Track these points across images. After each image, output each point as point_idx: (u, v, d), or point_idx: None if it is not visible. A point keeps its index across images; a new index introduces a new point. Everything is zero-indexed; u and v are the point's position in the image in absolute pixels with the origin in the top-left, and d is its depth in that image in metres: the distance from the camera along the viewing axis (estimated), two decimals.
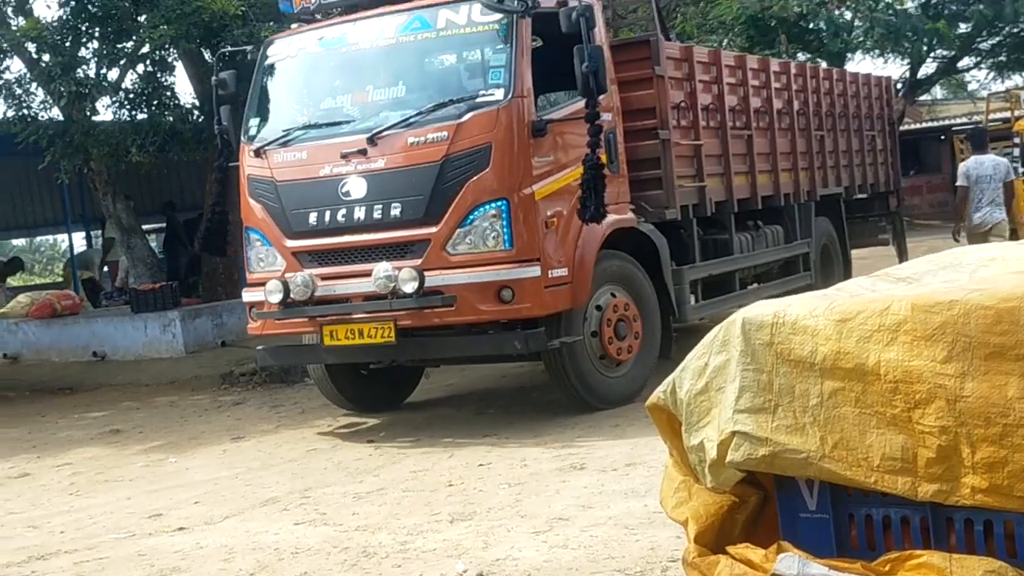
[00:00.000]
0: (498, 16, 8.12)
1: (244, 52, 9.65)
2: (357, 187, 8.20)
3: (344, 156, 8.22)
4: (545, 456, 7.34)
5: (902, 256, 14.40)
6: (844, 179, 13.33)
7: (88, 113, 13.48)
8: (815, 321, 3.36)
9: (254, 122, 9.01)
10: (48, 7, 39.12)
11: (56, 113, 13.81)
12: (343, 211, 8.24)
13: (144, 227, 16.42)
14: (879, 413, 3.27)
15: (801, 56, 23.06)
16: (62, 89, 12.50)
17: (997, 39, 26.36)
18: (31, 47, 12.98)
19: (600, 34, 8.75)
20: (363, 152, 8.16)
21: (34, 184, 21.31)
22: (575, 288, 8.25)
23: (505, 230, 7.92)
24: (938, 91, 37.05)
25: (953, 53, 27.02)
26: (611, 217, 8.56)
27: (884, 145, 14.88)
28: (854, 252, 14.59)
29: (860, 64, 33.20)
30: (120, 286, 17.03)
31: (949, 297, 3.23)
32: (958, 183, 12.09)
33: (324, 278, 8.37)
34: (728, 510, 3.58)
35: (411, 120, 8.13)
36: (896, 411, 3.25)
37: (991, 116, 19.50)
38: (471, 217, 7.94)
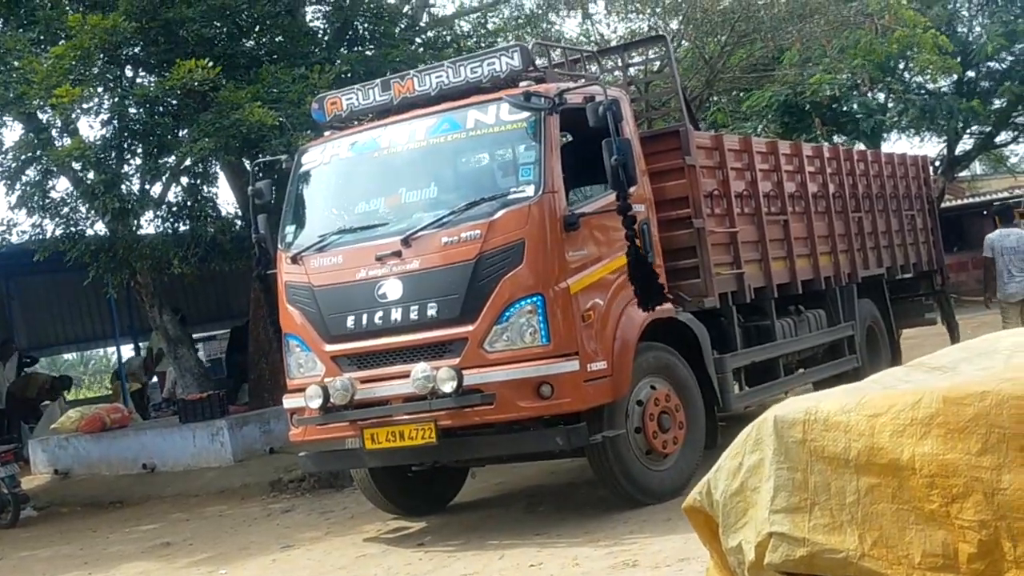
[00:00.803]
0: (526, 114, 8.21)
1: (279, 161, 9.72)
2: (393, 289, 8.23)
3: (379, 259, 8.27)
4: (597, 554, 7.25)
5: (953, 334, 14.19)
6: (886, 260, 13.19)
7: (132, 228, 13.73)
8: (847, 417, 3.35)
9: (290, 229, 9.12)
10: (91, 127, 40.23)
11: (101, 228, 14.07)
12: (380, 313, 8.27)
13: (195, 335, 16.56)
14: (917, 509, 3.24)
15: (837, 139, 23.12)
16: (107, 205, 12.75)
17: None
18: (76, 166, 13.27)
19: (629, 126, 8.84)
20: (398, 254, 8.21)
21: (83, 299, 21.64)
22: (615, 381, 8.17)
23: (542, 325, 7.91)
24: (977, 167, 36.96)
25: (990, 128, 27.00)
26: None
27: (925, 224, 14.76)
28: (904, 332, 14.50)
29: (897, 143, 33.18)
30: (168, 396, 17.18)
31: (981, 388, 3.21)
32: (984, 254, 13.00)
33: (364, 381, 8.34)
34: None
35: (444, 220, 8.19)
36: (934, 506, 3.22)
37: None
38: (507, 314, 7.95)
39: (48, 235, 14.08)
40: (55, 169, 13.52)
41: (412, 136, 8.72)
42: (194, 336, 16.64)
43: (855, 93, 22.07)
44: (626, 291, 8.29)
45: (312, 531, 9.72)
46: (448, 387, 7.89)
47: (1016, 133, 28.24)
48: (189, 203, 14.07)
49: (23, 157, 13.47)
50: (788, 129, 22.17)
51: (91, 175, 13.14)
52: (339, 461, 9.35)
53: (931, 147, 33.27)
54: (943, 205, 27.42)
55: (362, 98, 9.16)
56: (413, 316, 8.17)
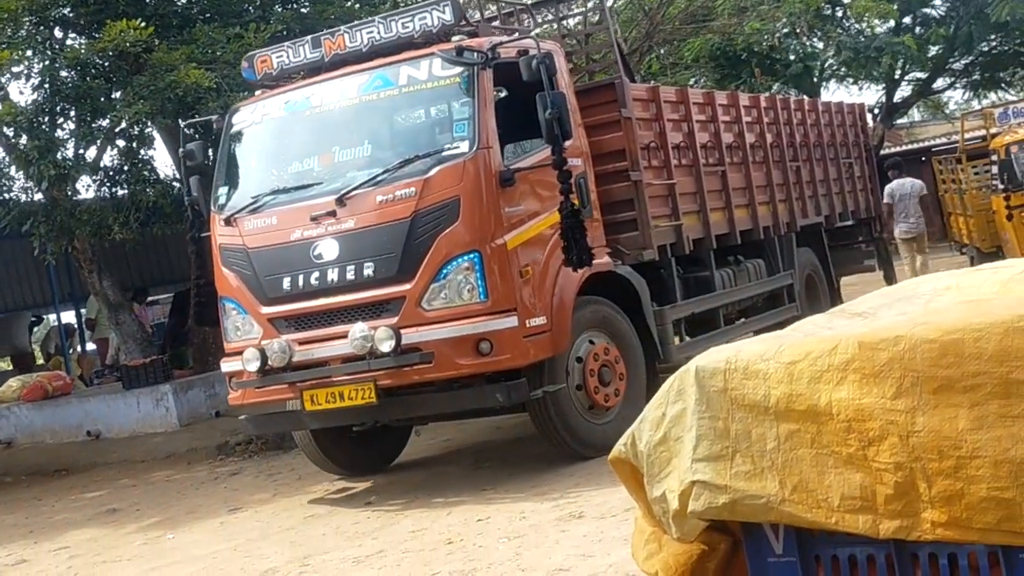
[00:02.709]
0: (459, 69, 8.17)
1: (211, 122, 9.62)
2: (329, 249, 8.21)
3: (314, 219, 8.25)
4: (543, 507, 7.34)
5: (890, 280, 14.40)
6: (824, 208, 13.37)
7: (69, 193, 13.55)
8: (766, 365, 3.40)
9: (223, 191, 9.04)
10: (22, 92, 39.49)
11: (38, 195, 13.88)
12: (316, 274, 8.24)
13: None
14: (835, 453, 3.30)
15: (775, 88, 23.27)
16: (42, 171, 12.57)
17: (969, 59, 26.62)
18: (8, 131, 13.07)
19: (564, 80, 8.83)
20: (332, 213, 8.18)
21: (20, 265, 21.37)
22: (555, 336, 8.22)
23: (479, 282, 7.91)
24: (916, 114, 37.34)
25: (927, 75, 27.27)
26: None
27: (862, 171, 14.95)
28: (845, 280, 14.71)
29: (836, 93, 33.42)
30: (111, 363, 17.05)
31: (894, 333, 3.27)
32: (884, 201, 15.49)
33: (301, 343, 8.35)
34: (698, 559, 3.59)
35: (379, 178, 8.15)
36: (851, 450, 3.28)
37: (967, 135, 19.58)
38: (444, 271, 7.94)
39: None
40: None
41: (344, 94, 8.65)
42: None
43: (793, 41, 22.19)
44: (559, 247, 8.24)
45: (260, 493, 9.74)
46: (386, 347, 7.89)
47: (952, 79, 28.54)
48: (126, 167, 13.89)
49: None
50: (725, 78, 22.28)
51: (24, 140, 12.94)
52: (280, 423, 9.34)
53: (870, 95, 33.53)
54: (882, 152, 27.71)
55: (293, 56, 9.08)
56: (350, 276, 8.14)
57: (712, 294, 10.64)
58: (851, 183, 14.42)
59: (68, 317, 21.82)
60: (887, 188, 15.75)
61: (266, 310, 8.53)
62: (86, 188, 14.37)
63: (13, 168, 13.67)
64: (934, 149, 27.17)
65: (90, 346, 20.98)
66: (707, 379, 3.49)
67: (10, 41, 12.28)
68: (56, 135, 13.11)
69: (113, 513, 10.05)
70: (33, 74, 13.00)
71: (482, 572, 6.04)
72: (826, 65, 25.16)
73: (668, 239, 9.94)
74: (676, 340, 9.94)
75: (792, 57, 23.15)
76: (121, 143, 14.02)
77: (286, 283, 8.38)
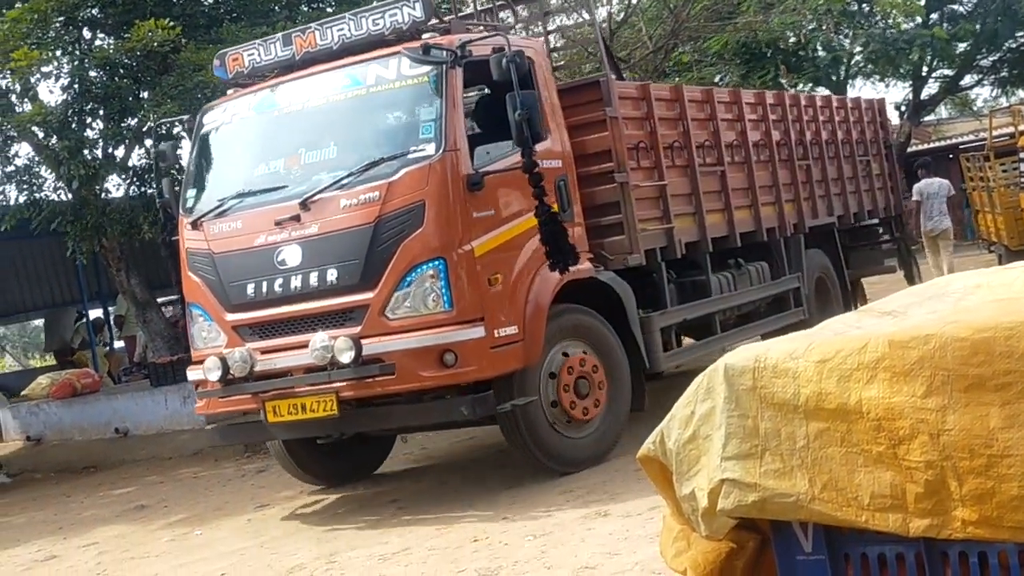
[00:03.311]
0: (427, 68, 7.88)
1: (182, 122, 9.39)
2: (292, 255, 7.93)
3: (278, 223, 7.98)
4: (568, 505, 7.35)
5: (912, 282, 13.99)
6: (837, 208, 12.94)
7: (99, 192, 13.66)
8: (795, 363, 3.40)
9: (191, 193, 8.78)
10: (51, 91, 39.81)
11: (68, 195, 13.99)
12: (280, 281, 7.96)
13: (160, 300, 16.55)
14: (865, 452, 3.30)
15: (802, 86, 23.18)
16: (72, 171, 12.67)
17: (997, 55, 26.46)
18: (38, 131, 13.18)
19: (543, 78, 8.62)
20: (297, 218, 7.90)
21: (49, 264, 21.55)
22: (527, 346, 7.88)
23: (444, 291, 7.58)
24: (943, 111, 37.14)
25: (954, 72, 27.12)
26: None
27: (882, 169, 14.45)
28: (869, 280, 14.44)
29: (862, 90, 33.29)
30: (139, 361, 17.17)
31: (925, 331, 3.27)
32: (913, 198, 15.93)
33: (264, 352, 8.08)
34: (726, 557, 3.60)
35: (343, 182, 7.86)
36: (881, 448, 3.27)
37: (995, 132, 19.46)
38: (408, 279, 7.63)
39: (12, 202, 13.99)
40: (15, 135, 13.41)
41: (311, 94, 8.41)
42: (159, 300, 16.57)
43: (819, 36, 22.09)
44: (540, 252, 7.97)
45: (286, 490, 9.78)
46: (346, 357, 7.61)
47: (980, 76, 28.38)
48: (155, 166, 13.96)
49: None
50: (750, 74, 22.23)
51: (54, 140, 13.05)
52: (247, 434, 9.01)
53: (896, 92, 33.36)
54: (909, 150, 27.58)
55: (264, 54, 8.80)
56: (313, 283, 7.87)
57: (707, 300, 10.23)
58: (868, 181, 13.92)
59: (96, 315, 21.95)
60: (915, 187, 16.14)
61: (231, 317, 8.27)
62: (116, 188, 14.49)
63: (43, 168, 13.77)
64: (962, 146, 27.03)
65: (118, 344, 21.16)
66: (736, 377, 3.49)
67: (39, 42, 12.37)
68: (85, 135, 13.21)
69: (141, 510, 10.12)
70: (62, 74, 13.12)
71: (508, 570, 6.05)
72: (852, 62, 25.05)
73: (658, 243, 9.59)
74: (663, 348, 9.47)
75: (820, 52, 23.02)
76: (149, 143, 14.11)
77: (250, 290, 8.12)
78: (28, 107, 13.22)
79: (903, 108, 28.59)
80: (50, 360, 24.22)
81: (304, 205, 7.88)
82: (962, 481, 3.18)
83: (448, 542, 6.91)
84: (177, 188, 9.01)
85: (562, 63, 23.03)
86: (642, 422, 8.49)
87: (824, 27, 21.39)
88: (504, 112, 7.81)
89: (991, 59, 27.08)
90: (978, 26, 24.38)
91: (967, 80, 28.89)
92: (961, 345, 3.20)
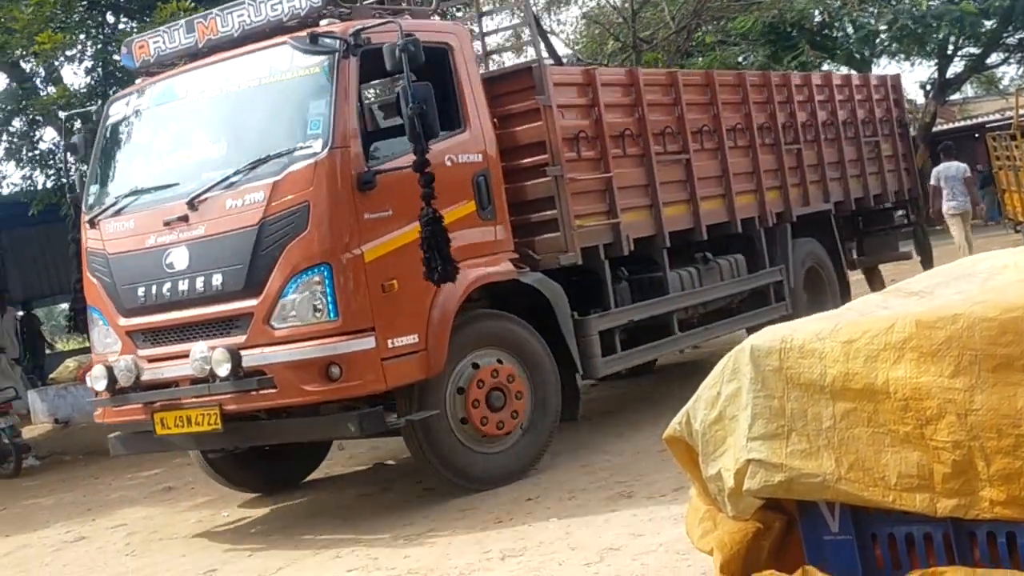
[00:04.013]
0: (320, 59, 7.33)
1: (90, 113, 8.95)
2: (180, 258, 7.46)
3: (167, 224, 7.51)
4: (592, 486, 7.35)
5: (928, 268, 12.94)
6: (836, 194, 12.09)
7: None
8: (822, 344, 3.40)
9: (93, 189, 8.29)
10: (75, 74, 39.99)
11: None
12: (168, 285, 7.50)
13: None
14: (892, 432, 3.30)
15: (827, 65, 23.06)
16: None
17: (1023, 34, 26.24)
18: (62, 115, 13.24)
19: (463, 66, 8.11)
20: (185, 219, 7.43)
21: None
22: (429, 356, 7.32)
23: (329, 299, 7.04)
24: (969, 90, 36.85)
25: (981, 50, 26.88)
26: (476, 271, 7.75)
27: (894, 150, 13.43)
28: (887, 266, 13.93)
29: (887, 69, 33.03)
30: None
31: (952, 311, 3.26)
32: (931, 183, 16.10)
33: (152, 360, 7.63)
34: (753, 537, 3.60)
35: (230, 180, 7.36)
36: (909, 428, 3.27)
37: (1022, 111, 19.30)
38: (292, 286, 7.10)
39: (39, 187, 14.06)
40: (41, 119, 13.48)
41: (207, 85, 7.94)
42: None
43: (844, 15, 21.94)
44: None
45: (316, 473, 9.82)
46: (223, 370, 7.13)
47: (1007, 55, 28.14)
48: None
49: (8, 108, 13.42)
50: (776, 54, 22.12)
51: (78, 124, 13.10)
52: (148, 443, 8.25)
53: (922, 71, 33.09)
54: (935, 129, 27.39)
55: (168, 41, 8.30)
56: (199, 288, 7.40)
57: (661, 298, 9.46)
58: (877, 164, 12.96)
59: None
60: (934, 170, 16.45)
61: (123, 322, 7.82)
62: None
63: (68, 153, 13.82)
64: (988, 125, 26.84)
65: None
66: (762, 358, 3.49)
67: (63, 25, 12.41)
68: None
69: (168, 491, 10.18)
70: (86, 57, 13.18)
71: (533, 550, 6.06)
72: (877, 41, 24.86)
73: (601, 239, 8.90)
74: (602, 352, 8.74)
75: (848, 29, 22.84)
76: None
77: (140, 294, 7.67)
78: (52, 90, 13.27)
79: (928, 87, 28.38)
80: (76, 343, 24.33)
81: (191, 205, 7.42)
82: (990, 461, 3.17)
83: (473, 523, 6.93)
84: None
85: (579, 44, 22.92)
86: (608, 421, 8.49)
87: (849, 4, 21.24)
88: (436, 101, 7.44)
89: (1017, 37, 26.83)
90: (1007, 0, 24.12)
91: (993, 58, 28.66)
92: (989, 325, 3.19)
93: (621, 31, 19.68)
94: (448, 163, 7.73)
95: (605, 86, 9.15)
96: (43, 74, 13.59)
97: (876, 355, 3.31)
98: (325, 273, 7.06)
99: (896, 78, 14.25)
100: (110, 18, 14.17)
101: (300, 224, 7.10)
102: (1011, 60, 28.82)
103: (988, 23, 25.26)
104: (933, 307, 3.42)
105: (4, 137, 13.67)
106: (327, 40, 7.32)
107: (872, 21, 24.34)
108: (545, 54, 12.07)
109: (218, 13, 8.06)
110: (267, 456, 8.81)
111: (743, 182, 10.63)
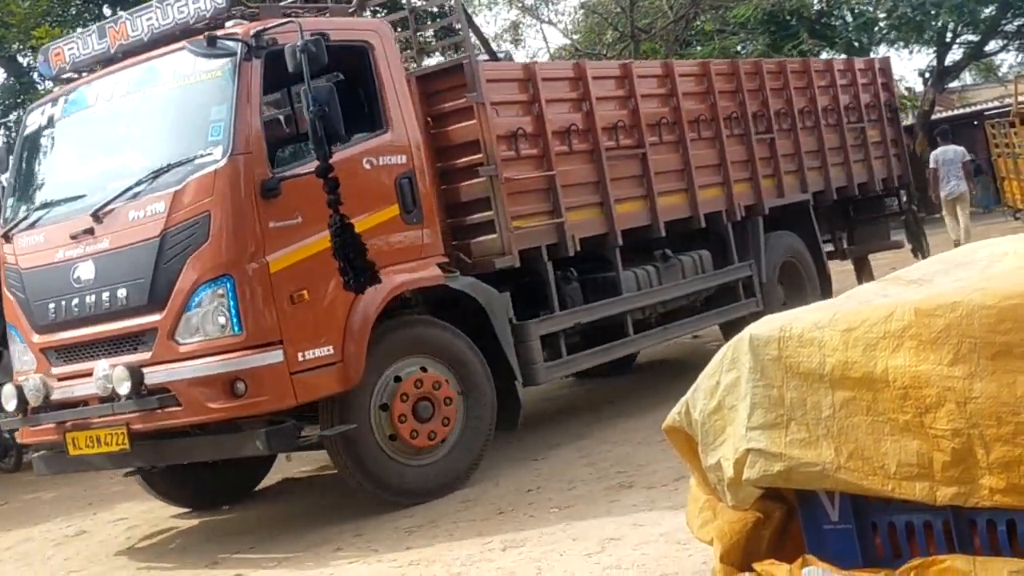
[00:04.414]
0: (222, 63, 7.05)
1: (8, 125, 9.04)
2: (86, 272, 7.24)
3: (73, 237, 7.30)
4: (592, 477, 7.36)
5: (918, 256, 12.92)
6: (816, 183, 11.60)
7: None
8: (821, 333, 3.40)
9: (10, 202, 8.09)
10: None
11: None
12: (76, 300, 7.28)
13: None
14: (891, 420, 3.29)
15: (827, 53, 23.02)
16: None
17: (1022, 20, 26.20)
18: None
19: (385, 64, 7.74)
20: (90, 231, 7.21)
21: None
22: (346, 368, 7.04)
23: (232, 312, 6.76)
24: (968, 77, 36.82)
25: (979, 37, 26.86)
26: (399, 278, 7.44)
27: (883, 136, 12.86)
28: (872, 257, 13.35)
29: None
30: None
31: (951, 299, 3.26)
32: (931, 166, 17.17)
33: (63, 378, 7.43)
34: (753, 527, 3.60)
35: (134, 191, 7.13)
36: (908, 417, 3.27)
37: (1020, 98, 19.29)
38: (195, 299, 6.84)
39: None
40: None
41: (113, 92, 7.67)
42: None
43: (843, 1, 21.93)
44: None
45: (307, 465, 9.77)
46: (124, 388, 6.90)
47: (1005, 42, 28.12)
48: None
49: (6, 102, 13.42)
50: (776, 43, 22.10)
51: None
52: (68, 463, 7.87)
53: (921, 58, 33.08)
54: (933, 116, 27.37)
55: (82, 48, 8.04)
56: (105, 304, 7.16)
57: (608, 300, 9.07)
58: (862, 151, 12.45)
59: None
60: (932, 154, 17.29)
61: (37, 339, 7.61)
62: None
63: None
64: (986, 113, 26.84)
65: None
66: (761, 347, 3.49)
67: (60, 19, 12.42)
68: None
69: None
70: None
71: (534, 541, 6.07)
72: (876, 29, 24.84)
73: (543, 240, 8.57)
74: (543, 357, 8.43)
75: (847, 16, 22.84)
76: None
77: (51, 309, 7.46)
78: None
79: (927, 75, 28.36)
80: None
81: (96, 217, 7.21)
82: (989, 449, 3.17)
83: (474, 514, 6.93)
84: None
85: (577, 34, 22.88)
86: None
87: None
88: (356, 102, 7.32)
89: (1016, 24, 26.80)
90: None
91: (992, 46, 28.65)
92: (988, 312, 3.18)
93: (619, 21, 19.65)
94: (367, 166, 7.48)
95: (547, 81, 8.85)
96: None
97: (875, 343, 3.31)
98: (228, 285, 6.80)
99: (885, 61, 13.79)
100: (107, 11, 14.15)
101: (201, 235, 6.84)
102: (1010, 47, 28.82)
103: (987, 10, 25.26)
104: (932, 295, 3.41)
105: (2, 131, 13.65)
106: (227, 43, 7.07)
107: (871, 9, 24.34)
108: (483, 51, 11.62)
109: (128, 17, 7.84)
110: (199, 470, 8.36)
111: (709, 175, 10.26)
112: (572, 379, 11.25)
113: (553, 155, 8.68)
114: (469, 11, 20.77)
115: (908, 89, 30.01)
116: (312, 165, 6.95)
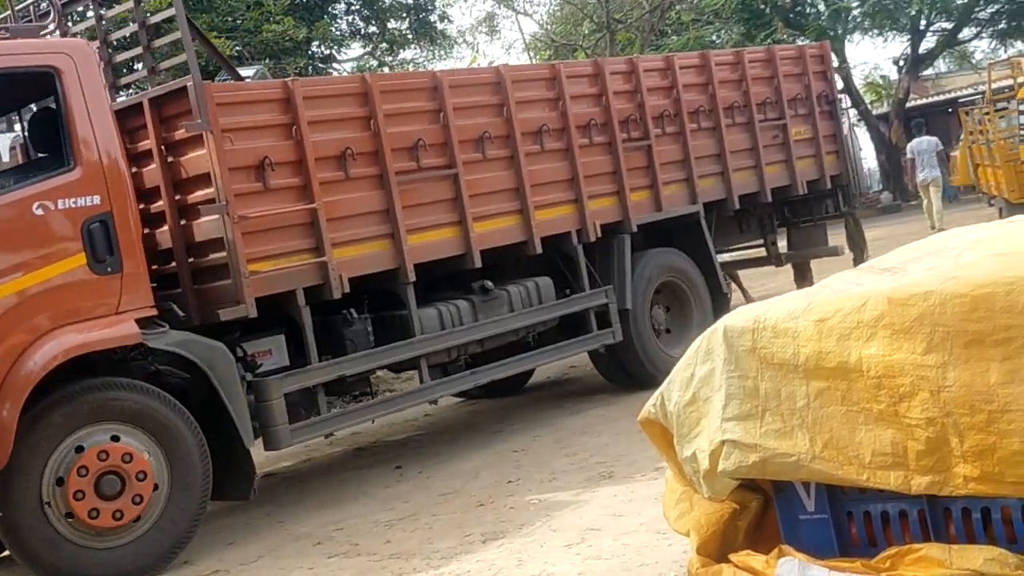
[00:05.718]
0: None
1: None
2: None
3: None
4: (572, 468, 7.36)
5: (857, 260, 11.54)
6: (713, 191, 10.39)
7: None
8: (795, 323, 3.39)
9: None
10: None
11: None
12: None
13: None
14: (866, 410, 3.30)
15: (799, 42, 23.08)
16: None
17: (995, 7, 26.32)
18: None
19: (76, 89, 6.69)
20: None
21: None
22: None
23: None
24: (942, 65, 36.94)
25: (953, 25, 26.97)
26: (70, 339, 6.45)
27: (815, 133, 11.50)
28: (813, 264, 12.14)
29: (860, 45, 33.13)
30: None
31: (924, 288, 3.26)
32: (908, 156, 20.05)
33: None
34: (729, 518, 3.60)
35: None
36: (882, 406, 3.27)
37: (994, 84, 19.36)
38: None
39: None
40: None
41: None
42: None
43: None
44: (38, 318, 6.38)
45: (291, 459, 9.77)
46: None
47: (979, 29, 28.23)
48: None
49: None
50: (750, 32, 22.15)
51: None
52: None
53: (895, 46, 33.20)
54: (908, 104, 27.47)
55: None
56: None
57: (394, 345, 8.00)
58: (783, 151, 11.10)
59: None
60: (908, 145, 20.03)
61: None
62: None
63: None
64: (960, 100, 26.96)
65: None
66: (735, 338, 3.49)
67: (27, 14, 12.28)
68: None
69: None
70: None
71: (514, 533, 6.07)
72: (849, 17, 24.91)
73: (300, 282, 7.49)
74: (313, 413, 7.63)
75: (821, 6, 22.94)
76: None
77: None
78: None
79: (902, 63, 28.46)
80: None
81: None
82: (963, 437, 3.18)
83: (454, 507, 6.93)
84: None
85: (553, 25, 22.79)
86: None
87: None
88: (56, 130, 6.63)
89: (989, 11, 26.91)
90: None
91: (965, 33, 28.75)
92: (961, 301, 3.19)
93: (595, 11, 19.64)
94: (40, 212, 6.47)
95: (311, 99, 7.69)
96: None
97: (849, 333, 3.31)
98: None
99: (822, 47, 12.47)
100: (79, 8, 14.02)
101: None
102: (983, 34, 28.90)
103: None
104: (905, 284, 3.42)
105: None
106: None
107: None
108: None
109: None
110: None
111: (553, 192, 9.06)
112: (549, 376, 11.27)
113: (317, 185, 7.56)
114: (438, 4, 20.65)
115: (883, 77, 30.12)
116: None
